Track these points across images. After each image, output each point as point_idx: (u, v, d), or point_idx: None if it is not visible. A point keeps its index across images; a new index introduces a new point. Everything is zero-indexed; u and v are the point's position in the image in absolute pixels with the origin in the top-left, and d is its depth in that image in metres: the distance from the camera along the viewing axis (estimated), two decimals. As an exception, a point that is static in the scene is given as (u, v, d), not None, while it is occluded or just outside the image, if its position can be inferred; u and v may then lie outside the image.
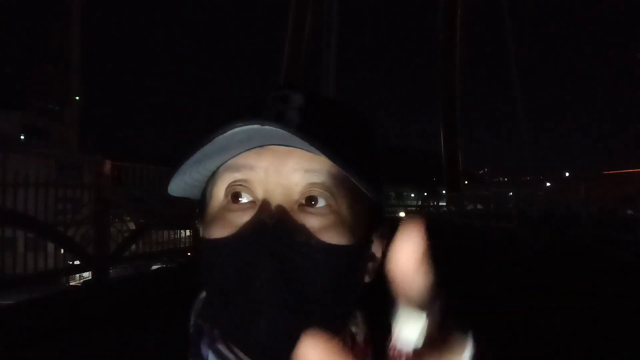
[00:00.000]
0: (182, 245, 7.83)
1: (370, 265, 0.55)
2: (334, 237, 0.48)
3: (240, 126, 0.45)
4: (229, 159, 0.50)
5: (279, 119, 0.46)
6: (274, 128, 0.44)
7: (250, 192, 0.49)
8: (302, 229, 0.47)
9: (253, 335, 0.46)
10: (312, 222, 0.48)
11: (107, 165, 5.96)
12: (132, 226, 6.71)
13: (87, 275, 6.16)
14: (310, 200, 0.49)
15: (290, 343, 0.46)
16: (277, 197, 0.48)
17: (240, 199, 0.50)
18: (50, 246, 5.05)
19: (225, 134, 0.46)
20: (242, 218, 0.49)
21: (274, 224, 0.46)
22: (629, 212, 9.60)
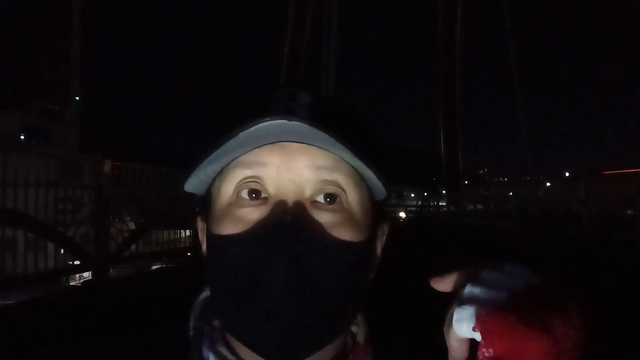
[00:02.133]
0: (182, 245, 7.82)
1: (373, 262, 0.55)
2: (346, 234, 0.48)
3: (268, 121, 0.45)
4: (240, 155, 0.50)
5: (289, 115, 0.46)
6: (297, 123, 0.45)
7: (262, 188, 0.49)
8: (318, 226, 0.48)
9: (270, 333, 0.46)
10: (325, 218, 0.48)
11: (107, 165, 5.95)
12: (132, 226, 6.70)
13: (87, 275, 6.16)
14: (322, 197, 0.49)
15: (307, 340, 0.46)
16: (289, 194, 0.48)
17: (252, 195, 0.50)
18: (50, 246, 5.04)
19: (247, 130, 0.46)
20: (254, 214, 0.48)
21: (291, 221, 0.46)
22: (629, 212, 9.59)
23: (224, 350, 0.51)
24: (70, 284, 6.94)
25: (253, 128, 0.46)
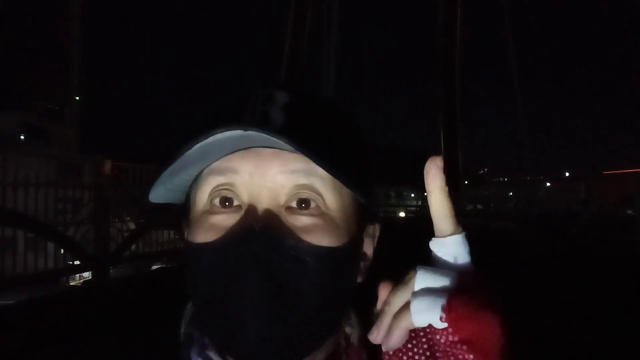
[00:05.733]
0: (182, 245, 7.80)
1: (362, 264, 0.54)
2: (324, 239, 0.47)
3: (222, 132, 0.44)
4: (213, 162, 0.49)
5: (263, 120, 0.45)
6: (253, 133, 0.43)
7: (235, 196, 0.48)
8: (291, 233, 0.46)
9: (243, 344, 0.45)
10: (301, 224, 0.47)
11: (107, 165, 5.95)
12: (132, 226, 6.70)
13: (87, 275, 6.16)
14: (298, 202, 0.48)
15: (281, 349, 0.45)
16: (263, 201, 0.47)
17: (225, 203, 0.48)
18: (50, 246, 5.05)
19: (207, 140, 0.44)
20: (227, 222, 0.47)
21: (261, 229, 0.45)
22: (629, 212, 9.59)
23: (213, 356, 0.51)
24: (70, 284, 6.95)
25: (211, 139, 0.44)
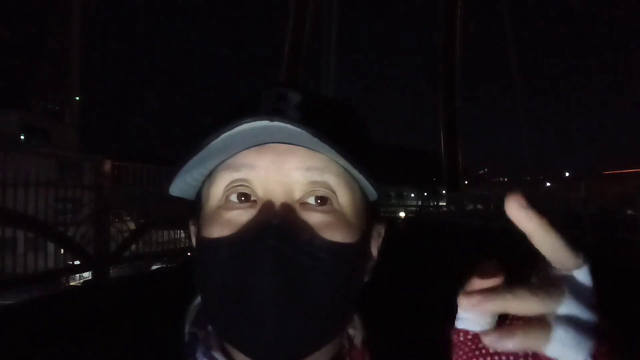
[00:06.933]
0: (182, 245, 7.83)
1: (368, 264, 0.54)
2: (337, 235, 0.47)
3: (249, 122, 0.44)
4: (231, 155, 0.49)
5: (279, 115, 0.45)
6: (281, 124, 0.44)
7: (251, 191, 0.49)
8: (306, 228, 0.47)
9: (258, 337, 0.45)
10: (315, 220, 0.47)
11: (107, 165, 5.95)
12: (132, 226, 6.70)
13: (87, 275, 6.16)
14: (313, 199, 0.48)
15: (296, 344, 0.46)
16: (278, 196, 0.47)
17: (241, 198, 0.49)
18: (50, 246, 5.05)
19: (231, 131, 0.45)
20: (243, 217, 0.48)
21: (277, 223, 0.45)
22: (629, 212, 9.59)
23: (218, 356, 0.51)
24: (70, 284, 6.95)
25: (235, 129, 0.45)
